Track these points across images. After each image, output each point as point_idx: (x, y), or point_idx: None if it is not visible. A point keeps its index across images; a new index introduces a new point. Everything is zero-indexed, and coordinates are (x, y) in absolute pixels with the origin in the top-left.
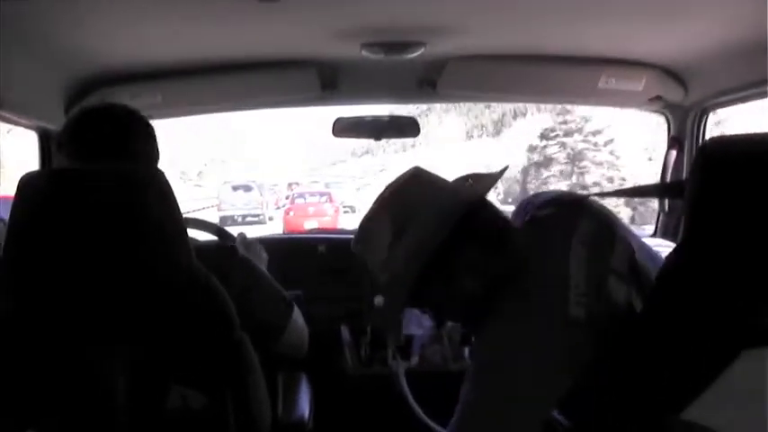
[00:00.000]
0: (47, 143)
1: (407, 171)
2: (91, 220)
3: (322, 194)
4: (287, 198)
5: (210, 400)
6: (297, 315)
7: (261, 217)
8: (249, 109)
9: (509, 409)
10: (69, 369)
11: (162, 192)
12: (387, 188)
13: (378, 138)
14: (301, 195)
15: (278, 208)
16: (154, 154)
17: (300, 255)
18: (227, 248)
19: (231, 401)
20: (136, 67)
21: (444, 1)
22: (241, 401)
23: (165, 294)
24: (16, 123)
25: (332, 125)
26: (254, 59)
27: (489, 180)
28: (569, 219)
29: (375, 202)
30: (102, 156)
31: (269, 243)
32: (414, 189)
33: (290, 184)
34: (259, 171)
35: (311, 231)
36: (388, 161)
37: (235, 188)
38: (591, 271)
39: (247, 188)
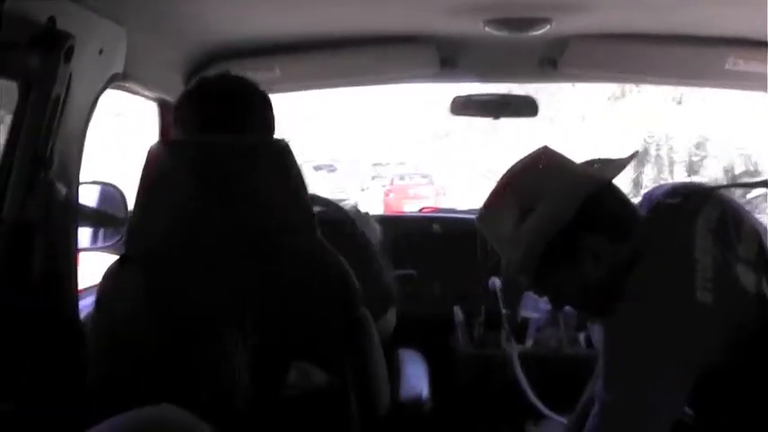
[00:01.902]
0: (166, 115)
1: (536, 150)
2: (215, 192)
3: (423, 176)
4: (372, 179)
5: (331, 377)
6: (392, 314)
7: (347, 201)
8: (366, 85)
9: (648, 409)
10: (192, 345)
11: (285, 163)
12: (514, 166)
13: (496, 116)
14: (402, 177)
15: (363, 190)
16: (272, 125)
17: (415, 234)
18: (347, 222)
19: (352, 377)
20: (255, 41)
21: None
22: (361, 377)
23: (288, 268)
24: (138, 95)
25: (450, 102)
26: (375, 35)
27: (618, 164)
28: (696, 206)
29: (502, 180)
30: (220, 127)
31: (383, 221)
32: (542, 168)
33: (374, 165)
34: (337, 149)
35: (425, 210)
36: (471, 142)
37: (317, 168)
38: (717, 257)
39: (331, 168)
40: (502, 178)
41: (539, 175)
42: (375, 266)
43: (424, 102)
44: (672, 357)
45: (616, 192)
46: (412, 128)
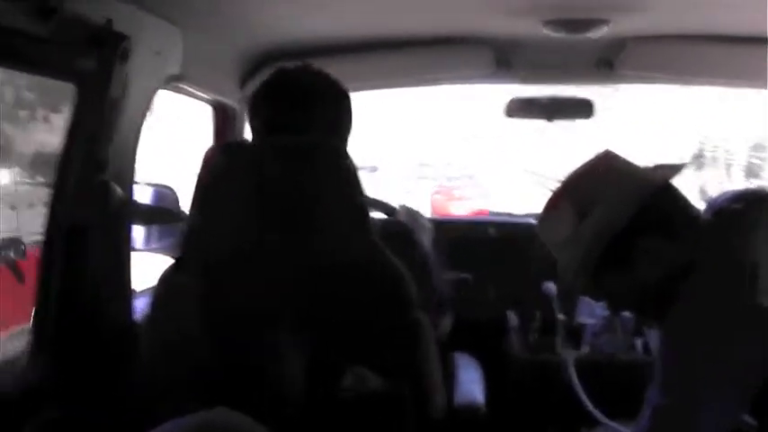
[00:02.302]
0: (221, 116)
1: (598, 153)
2: (269, 195)
3: (469, 177)
4: (418, 179)
5: (387, 381)
6: (448, 319)
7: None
8: (422, 85)
9: (702, 414)
10: (248, 347)
11: (340, 165)
12: (575, 170)
13: (550, 119)
14: (449, 178)
15: (407, 192)
16: (338, 124)
17: (470, 237)
18: (405, 229)
19: (408, 382)
20: (310, 42)
21: None
22: (417, 382)
23: (347, 272)
24: (193, 96)
25: (505, 104)
26: (430, 36)
27: (676, 167)
28: (758, 211)
29: (562, 183)
30: (281, 127)
31: (438, 225)
32: (602, 171)
33: (421, 165)
34: (379, 149)
35: (480, 213)
36: (518, 143)
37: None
38: None
39: (373, 168)
40: (562, 182)
41: (597, 179)
42: (431, 271)
43: (469, 101)
44: (730, 362)
45: (676, 195)
46: (457, 128)
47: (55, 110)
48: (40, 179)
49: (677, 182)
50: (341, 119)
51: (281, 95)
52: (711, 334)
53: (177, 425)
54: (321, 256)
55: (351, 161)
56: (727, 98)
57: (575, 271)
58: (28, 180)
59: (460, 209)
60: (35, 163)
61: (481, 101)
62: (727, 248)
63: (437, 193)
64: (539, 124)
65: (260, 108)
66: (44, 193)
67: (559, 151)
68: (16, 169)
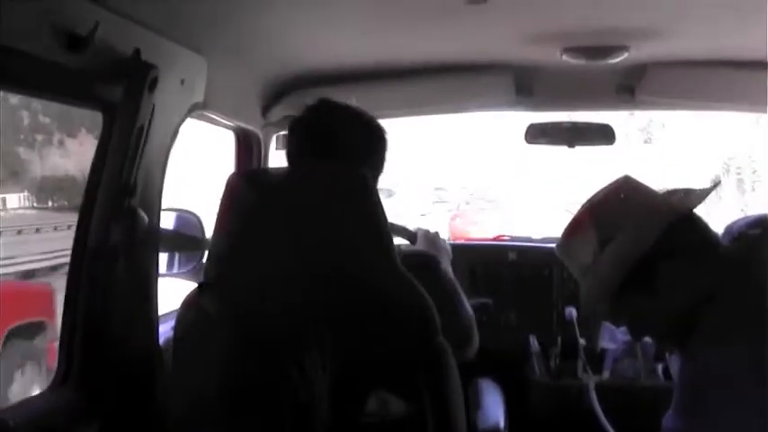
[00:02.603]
0: (243, 143)
1: (618, 179)
2: (295, 222)
3: (489, 201)
4: (434, 203)
5: (409, 405)
6: (472, 347)
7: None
8: (443, 113)
9: None
10: (271, 372)
11: (363, 193)
12: (595, 195)
13: (572, 145)
14: (468, 202)
15: (423, 215)
16: (364, 154)
17: (490, 262)
18: (431, 258)
19: (430, 407)
20: (333, 69)
21: (653, 1)
22: (440, 407)
23: (370, 297)
24: (216, 124)
25: (525, 131)
26: (451, 63)
27: (699, 194)
28: None
29: (583, 208)
30: (308, 156)
31: (458, 249)
32: (623, 197)
33: (437, 189)
34: (395, 173)
35: (500, 238)
36: (537, 168)
37: None
38: None
39: (389, 193)
40: (582, 207)
41: (619, 204)
42: (458, 299)
43: (486, 126)
44: (747, 393)
45: (698, 221)
46: (474, 153)
47: (71, 135)
48: (51, 203)
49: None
50: (373, 152)
51: (319, 125)
52: (728, 364)
53: None
54: (345, 281)
55: (373, 188)
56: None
57: (596, 296)
58: (36, 204)
59: (480, 233)
60: (44, 187)
61: (499, 126)
62: (746, 275)
63: (456, 216)
64: (562, 149)
65: (297, 135)
66: (51, 217)
67: (580, 176)
68: (25, 193)
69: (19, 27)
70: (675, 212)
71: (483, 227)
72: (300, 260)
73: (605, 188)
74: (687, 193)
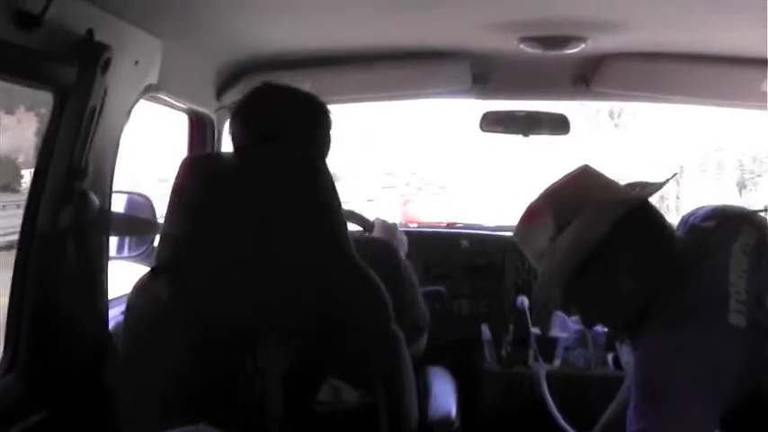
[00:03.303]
0: (196, 126)
1: (577, 168)
2: (246, 207)
3: (441, 187)
4: (383, 189)
5: (362, 394)
6: (424, 338)
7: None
8: (397, 99)
9: None
10: (224, 358)
11: (313, 175)
12: (554, 183)
13: (526, 134)
14: (420, 187)
15: (369, 200)
16: (320, 139)
17: (443, 249)
18: (389, 247)
19: (383, 395)
20: (287, 54)
21: None
22: (393, 395)
23: (323, 284)
24: (170, 106)
25: (480, 119)
26: (407, 50)
27: (655, 186)
28: (731, 229)
29: (541, 195)
30: (256, 140)
31: (411, 236)
32: (580, 185)
33: (386, 174)
34: (341, 157)
35: (452, 225)
36: (487, 154)
37: None
38: (752, 280)
39: (335, 177)
40: (540, 194)
41: (577, 192)
42: (416, 292)
43: (437, 112)
44: (702, 380)
45: (653, 212)
46: (424, 139)
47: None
48: None
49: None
50: (320, 134)
51: (263, 109)
52: (682, 352)
53: None
54: (298, 267)
55: (328, 173)
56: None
57: (550, 281)
58: None
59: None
60: None
61: (451, 113)
62: (699, 267)
63: (408, 201)
64: (513, 139)
65: (241, 120)
66: None
67: (533, 165)
68: None
69: None
70: (632, 202)
71: (435, 212)
72: (252, 247)
73: (563, 176)
74: (642, 186)
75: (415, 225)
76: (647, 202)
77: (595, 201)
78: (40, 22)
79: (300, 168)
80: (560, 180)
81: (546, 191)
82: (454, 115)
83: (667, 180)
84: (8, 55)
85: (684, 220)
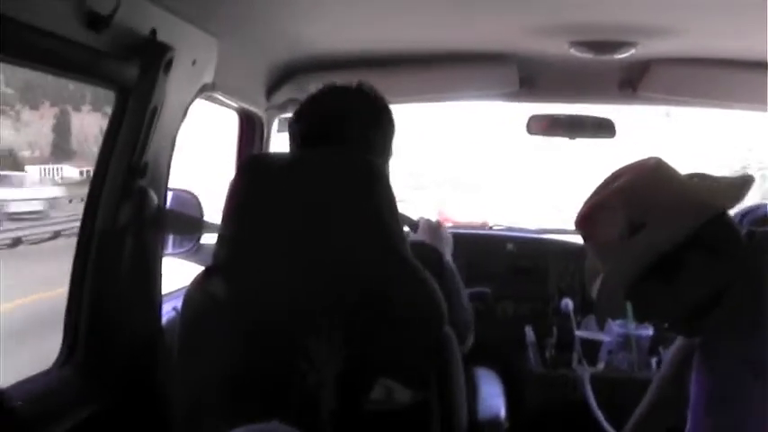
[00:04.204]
0: (246, 125)
1: (648, 161)
2: (305, 208)
3: (474, 189)
4: (415, 190)
5: (415, 394)
6: (471, 338)
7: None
8: (445, 101)
9: None
10: (278, 356)
11: (369, 179)
12: (623, 174)
13: (572, 137)
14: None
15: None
16: (374, 139)
17: (488, 251)
18: (435, 251)
19: (435, 395)
20: (336, 55)
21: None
22: (445, 396)
23: (379, 285)
24: (223, 105)
25: (527, 122)
26: (456, 52)
27: (734, 193)
28: None
29: (608, 188)
30: (315, 142)
31: (457, 237)
32: (655, 183)
33: (410, 174)
34: None
35: (486, 225)
36: (521, 156)
37: None
38: None
39: None
40: (608, 183)
41: (651, 191)
42: (462, 294)
43: (464, 113)
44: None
45: (727, 218)
46: (456, 141)
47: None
48: None
49: None
50: (379, 135)
51: (322, 109)
52: (743, 363)
53: None
54: (354, 269)
55: (385, 176)
56: None
57: (618, 281)
58: None
59: (466, 219)
60: None
61: (487, 115)
62: (760, 273)
63: (443, 201)
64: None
65: (302, 121)
66: None
67: (566, 164)
68: None
69: (42, 4)
70: (710, 209)
71: (469, 213)
72: (308, 248)
73: (633, 167)
74: (704, 178)
75: (450, 224)
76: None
77: (672, 202)
78: (109, 23)
79: (356, 172)
80: (630, 172)
81: (615, 181)
82: (486, 115)
83: (748, 184)
84: (77, 55)
85: (741, 216)
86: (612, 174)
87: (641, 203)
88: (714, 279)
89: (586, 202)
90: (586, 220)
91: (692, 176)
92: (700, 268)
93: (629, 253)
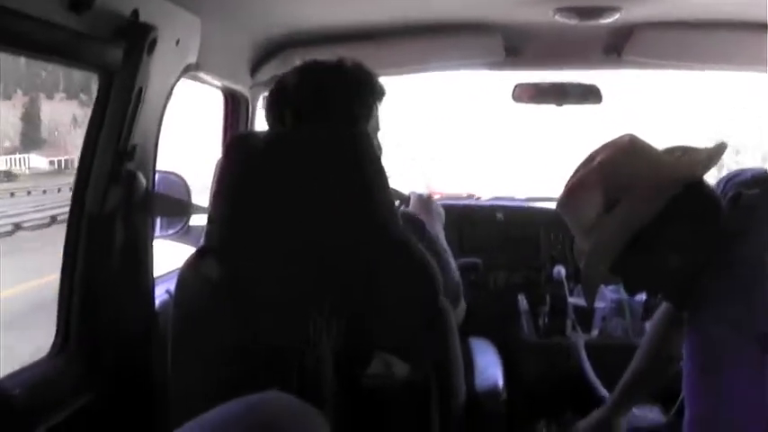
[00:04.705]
0: (231, 104)
1: (622, 138)
2: (296, 185)
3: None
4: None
5: (412, 367)
6: (462, 306)
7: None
8: (430, 71)
9: (736, 412)
10: (274, 333)
11: (358, 153)
12: (599, 153)
13: (559, 104)
14: (432, 159)
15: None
16: (359, 112)
17: (478, 222)
18: (417, 221)
19: (433, 368)
20: (318, 29)
21: None
22: (442, 368)
23: (373, 259)
24: (208, 84)
25: (512, 90)
26: (441, 22)
27: (706, 160)
28: None
29: (586, 167)
30: (300, 118)
31: (446, 209)
32: (629, 159)
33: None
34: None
35: (472, 197)
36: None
37: None
38: None
39: None
40: (586, 164)
41: (627, 167)
42: (446, 260)
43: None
44: (752, 359)
45: (704, 188)
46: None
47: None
48: None
49: None
50: (363, 109)
51: (303, 85)
52: (731, 330)
53: (235, 407)
54: (345, 244)
55: (372, 150)
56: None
57: (599, 259)
58: None
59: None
60: None
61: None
62: (746, 239)
63: (429, 176)
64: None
65: (283, 98)
66: None
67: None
68: None
69: None
70: (684, 179)
71: (456, 185)
72: (299, 225)
73: (608, 145)
74: (688, 152)
75: (438, 197)
76: (700, 178)
77: (645, 176)
78: (91, 4)
79: (343, 147)
80: (605, 150)
81: (591, 161)
82: (471, 85)
83: (719, 150)
84: (59, 38)
85: (726, 180)
86: (589, 155)
87: (615, 180)
88: (695, 248)
89: (565, 186)
90: (566, 205)
91: (672, 150)
92: (680, 238)
93: (607, 230)
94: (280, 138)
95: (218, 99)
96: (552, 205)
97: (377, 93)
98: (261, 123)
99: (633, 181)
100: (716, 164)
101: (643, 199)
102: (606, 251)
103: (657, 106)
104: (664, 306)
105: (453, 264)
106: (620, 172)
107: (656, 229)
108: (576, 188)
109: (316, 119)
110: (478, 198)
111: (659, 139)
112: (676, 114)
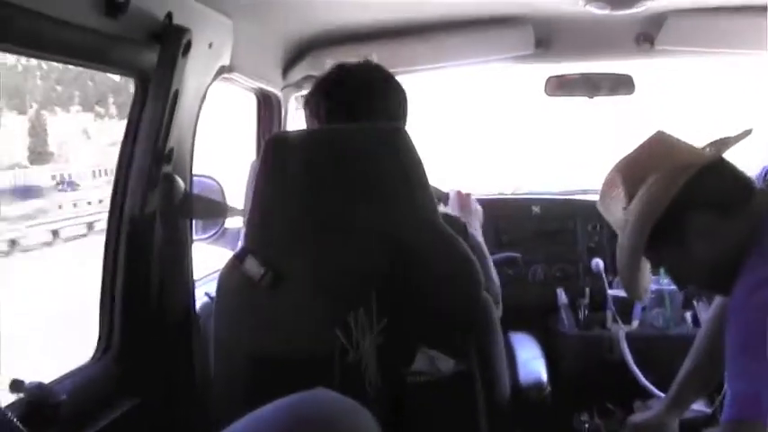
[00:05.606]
0: (263, 105)
1: (652, 136)
2: (331, 181)
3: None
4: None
5: (457, 362)
6: (499, 309)
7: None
8: (462, 66)
9: None
10: (318, 333)
11: (399, 149)
12: (630, 153)
13: (592, 96)
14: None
15: None
16: (396, 112)
17: (515, 216)
18: (460, 223)
19: (478, 362)
20: (349, 27)
21: None
22: (486, 363)
23: (415, 255)
24: (240, 86)
25: (544, 83)
26: (470, 17)
27: (725, 142)
28: None
29: (614, 166)
30: (340, 117)
31: (483, 204)
32: (652, 152)
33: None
34: None
35: (525, 192)
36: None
37: None
38: None
39: None
40: (615, 165)
41: (647, 161)
42: (487, 265)
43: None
44: None
45: (727, 168)
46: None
47: None
48: None
49: None
50: (398, 109)
51: (338, 86)
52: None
53: (283, 404)
54: (390, 240)
55: (410, 145)
56: None
57: (628, 249)
58: None
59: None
60: None
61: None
62: None
63: (464, 173)
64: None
65: (325, 97)
66: None
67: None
68: None
69: None
70: (702, 160)
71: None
72: (344, 221)
73: (637, 146)
74: (725, 142)
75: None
76: (722, 159)
77: (660, 166)
78: (126, 9)
79: (388, 144)
80: (634, 149)
81: (619, 161)
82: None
83: (743, 135)
84: (95, 43)
85: (764, 171)
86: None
87: (636, 175)
88: (721, 237)
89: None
90: (601, 206)
91: (712, 144)
92: (705, 226)
93: (630, 223)
94: (318, 136)
95: (238, 103)
96: (588, 197)
97: (403, 91)
98: (293, 124)
99: (649, 172)
100: (732, 146)
101: (658, 187)
102: (631, 244)
103: (697, 98)
104: (717, 300)
105: (494, 270)
106: (638, 166)
107: (678, 216)
108: (604, 189)
109: (358, 116)
110: (514, 193)
111: (703, 131)
112: (717, 105)
